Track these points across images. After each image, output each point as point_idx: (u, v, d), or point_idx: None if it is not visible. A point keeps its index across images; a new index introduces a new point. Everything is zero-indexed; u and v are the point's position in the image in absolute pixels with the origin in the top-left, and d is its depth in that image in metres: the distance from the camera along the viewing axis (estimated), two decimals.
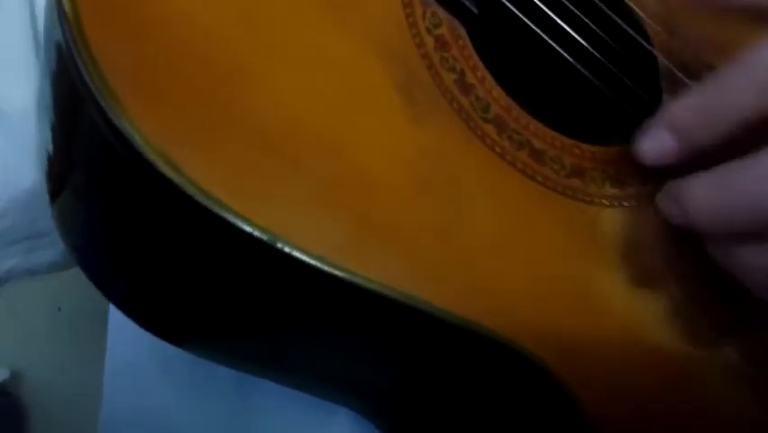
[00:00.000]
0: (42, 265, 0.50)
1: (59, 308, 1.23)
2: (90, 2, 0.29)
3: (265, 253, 0.28)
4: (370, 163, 0.31)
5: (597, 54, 0.38)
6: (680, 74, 0.38)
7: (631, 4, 0.39)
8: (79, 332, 1.13)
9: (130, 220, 0.31)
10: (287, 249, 0.28)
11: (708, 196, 0.32)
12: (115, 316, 0.54)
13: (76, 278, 0.36)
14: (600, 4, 0.38)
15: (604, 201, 0.35)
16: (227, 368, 0.38)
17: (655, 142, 0.34)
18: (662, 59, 0.39)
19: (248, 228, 0.28)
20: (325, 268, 0.29)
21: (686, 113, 0.33)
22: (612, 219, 0.35)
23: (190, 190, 0.28)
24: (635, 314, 0.34)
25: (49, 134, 0.34)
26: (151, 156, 0.28)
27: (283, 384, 0.38)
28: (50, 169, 0.35)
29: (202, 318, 0.34)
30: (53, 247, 0.48)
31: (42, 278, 0.55)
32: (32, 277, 0.51)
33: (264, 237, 0.28)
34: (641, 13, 0.39)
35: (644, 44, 0.38)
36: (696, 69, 0.39)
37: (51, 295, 1.21)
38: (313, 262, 0.29)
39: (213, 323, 0.34)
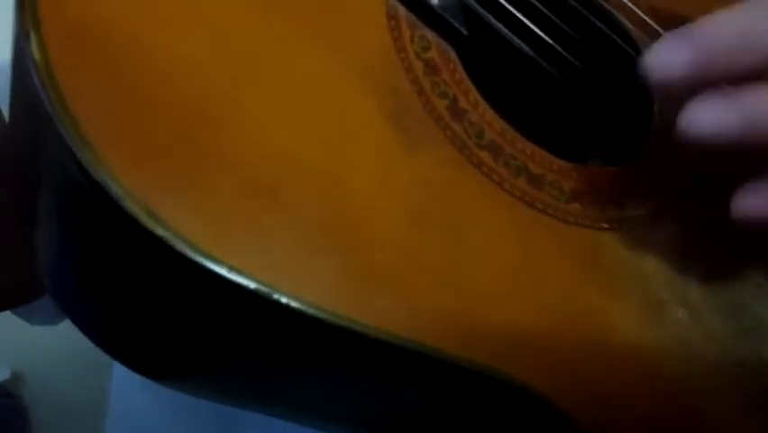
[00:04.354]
0: None
1: None
2: (60, 46, 0.28)
3: (259, 304, 0.27)
4: (362, 198, 0.30)
5: (588, 72, 0.37)
6: None
7: (625, 21, 0.38)
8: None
9: (105, 263, 0.29)
10: (283, 300, 0.27)
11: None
12: None
13: None
14: (593, 19, 0.37)
15: (604, 225, 0.34)
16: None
17: (671, 54, 0.29)
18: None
19: (243, 281, 0.27)
20: (323, 317, 0.27)
21: (721, 29, 0.29)
22: (615, 244, 0.34)
23: (177, 245, 0.26)
24: (644, 342, 0.33)
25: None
26: (133, 208, 0.26)
27: (271, 416, 0.37)
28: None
29: (189, 362, 0.32)
30: None
31: None
32: None
33: (263, 290, 0.27)
34: (635, 30, 0.38)
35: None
36: None
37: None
38: (311, 311, 0.27)
39: (200, 367, 0.32)
